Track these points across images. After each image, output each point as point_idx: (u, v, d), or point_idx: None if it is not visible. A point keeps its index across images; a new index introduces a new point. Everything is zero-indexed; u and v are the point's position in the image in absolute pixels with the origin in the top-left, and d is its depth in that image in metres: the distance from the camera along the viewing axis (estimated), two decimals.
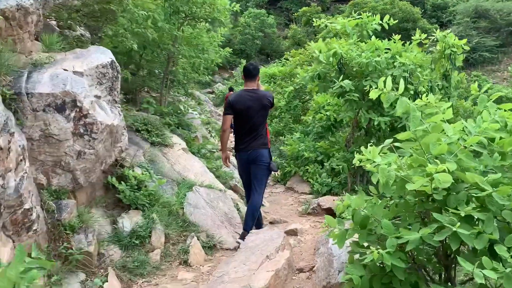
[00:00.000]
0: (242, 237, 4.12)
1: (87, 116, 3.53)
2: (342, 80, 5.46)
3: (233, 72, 30.26)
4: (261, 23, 35.05)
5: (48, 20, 6.80)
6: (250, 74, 4.46)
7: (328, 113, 6.88)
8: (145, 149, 5.43)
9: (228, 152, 4.82)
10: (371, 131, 6.14)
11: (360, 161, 2.42)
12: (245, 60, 29.33)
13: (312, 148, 7.99)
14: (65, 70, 3.85)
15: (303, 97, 12.55)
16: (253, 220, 4.29)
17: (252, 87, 4.44)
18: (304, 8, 35.19)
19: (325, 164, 7.17)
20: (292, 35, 34.30)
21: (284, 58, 15.64)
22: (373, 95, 2.83)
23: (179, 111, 8.50)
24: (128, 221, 3.82)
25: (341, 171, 5.89)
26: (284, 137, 9.85)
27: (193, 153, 7.56)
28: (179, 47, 8.17)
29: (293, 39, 33.64)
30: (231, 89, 18.08)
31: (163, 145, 5.93)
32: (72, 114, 3.41)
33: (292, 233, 4.62)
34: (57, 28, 6.80)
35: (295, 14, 36.65)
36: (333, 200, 5.52)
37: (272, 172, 4.77)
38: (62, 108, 3.35)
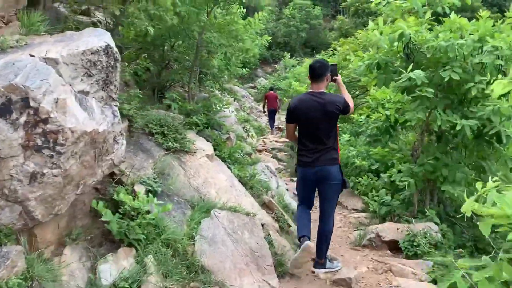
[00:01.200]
0: (316, 265, 3.64)
1: (47, 121, 2.44)
2: (412, 70, 4.10)
3: (276, 66, 29.02)
4: (306, 15, 33.75)
5: (55, 3, 5.92)
6: (315, 73, 3.67)
7: (388, 112, 5.52)
8: (156, 157, 4.34)
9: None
10: (446, 137, 4.73)
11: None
12: (289, 54, 28.13)
13: (365, 154, 6.64)
14: (31, 56, 2.81)
15: (352, 92, 11.12)
16: (326, 246, 3.69)
17: (318, 90, 3.66)
18: None
19: (381, 175, 5.81)
20: (339, 27, 32.64)
21: (331, 49, 14.19)
22: (498, 88, 1.55)
23: (209, 109, 7.40)
24: (112, 268, 2.71)
25: (406, 188, 4.55)
26: None
27: (222, 158, 6.43)
28: (209, 35, 7.05)
29: (340, 30, 31.94)
30: (271, 89, 16.62)
31: (182, 152, 4.83)
32: (22, 119, 2.34)
33: (344, 284, 3.36)
34: (65, 12, 5.90)
35: (343, 4, 34.85)
36: (397, 229, 4.19)
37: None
38: (5, 110, 2.28)
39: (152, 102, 7.03)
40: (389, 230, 4.16)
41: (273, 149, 11.40)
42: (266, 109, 14.98)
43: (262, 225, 4.09)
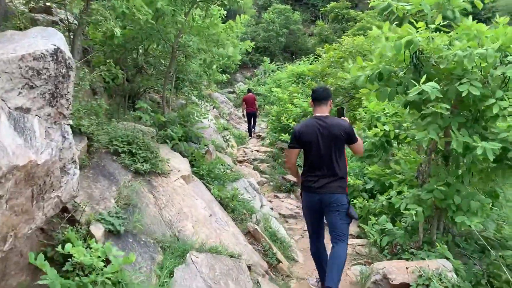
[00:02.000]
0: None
1: None
2: (424, 82, 3.51)
3: (255, 70, 28.45)
4: (286, 20, 33.35)
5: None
6: (320, 96, 3.64)
7: (387, 127, 4.94)
8: (121, 184, 3.62)
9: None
10: (456, 159, 4.17)
11: None
12: (268, 59, 27.61)
13: (358, 171, 6.06)
14: None
15: (337, 100, 10.59)
16: (338, 275, 3.27)
17: (323, 113, 3.60)
18: (332, 3, 33.07)
19: (378, 197, 5.22)
20: (319, 32, 32.34)
21: (314, 55, 13.68)
22: None
23: (186, 119, 6.69)
24: None
25: (413, 217, 3.95)
26: None
27: (201, 176, 5.74)
28: (186, 38, 6.36)
29: (320, 36, 31.67)
30: (249, 91, 16.04)
31: (154, 174, 4.12)
32: None
33: None
34: (19, 9, 5.10)
35: (322, 9, 34.60)
36: (406, 268, 3.58)
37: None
38: None
39: (123, 112, 6.29)
40: (398, 271, 3.54)
41: (255, 159, 10.73)
42: (245, 113, 14.38)
43: (249, 267, 3.41)
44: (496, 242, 4.29)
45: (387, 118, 5.56)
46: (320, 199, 3.46)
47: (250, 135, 14.49)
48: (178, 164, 4.77)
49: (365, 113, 5.93)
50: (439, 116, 3.65)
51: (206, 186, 5.40)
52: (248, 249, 3.91)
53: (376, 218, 4.99)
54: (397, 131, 4.99)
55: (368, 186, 5.67)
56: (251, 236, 4.48)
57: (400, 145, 5.95)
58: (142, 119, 5.52)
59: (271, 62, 26.87)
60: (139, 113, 5.54)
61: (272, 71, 25.74)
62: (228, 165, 8.15)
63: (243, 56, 28.99)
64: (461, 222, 3.75)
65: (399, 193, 4.97)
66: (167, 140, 5.81)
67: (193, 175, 5.17)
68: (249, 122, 14.62)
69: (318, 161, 3.48)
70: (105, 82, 6.83)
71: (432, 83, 3.50)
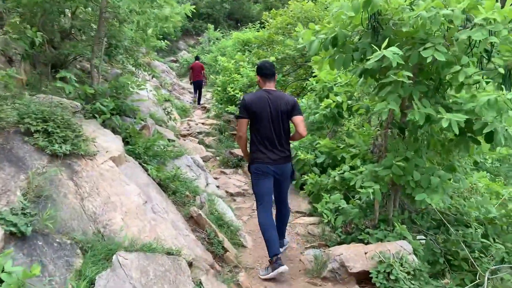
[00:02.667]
0: (276, 262, 3.48)
1: None
2: (385, 47, 3.11)
3: (199, 38, 27.32)
4: None
5: None
6: (269, 72, 3.79)
7: (339, 98, 4.56)
8: (32, 169, 2.97)
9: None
10: (413, 132, 3.88)
11: None
12: (212, 26, 26.53)
13: (308, 144, 5.71)
14: None
15: (284, 70, 10.17)
16: (285, 229, 4.08)
17: (271, 88, 3.79)
18: None
19: (330, 172, 4.91)
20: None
21: (260, 21, 13.07)
22: None
23: (119, 91, 5.95)
24: None
25: (370, 196, 3.64)
26: None
27: (137, 155, 5.13)
28: None
29: (265, 3, 30.85)
30: (197, 58, 15.63)
31: (75, 157, 3.47)
32: None
33: None
34: None
35: None
36: (365, 253, 3.28)
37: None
38: None
39: (46, 84, 5.45)
40: (356, 257, 3.23)
41: (200, 133, 10.15)
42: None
43: (190, 264, 2.94)
44: (452, 217, 4.12)
45: (339, 88, 5.20)
46: (275, 170, 3.69)
47: (199, 103, 14.37)
48: (108, 143, 4.14)
49: (316, 83, 5.53)
50: (400, 85, 3.29)
51: (143, 167, 4.82)
52: (190, 240, 3.42)
53: (329, 194, 4.69)
54: (349, 102, 4.64)
55: (319, 160, 5.34)
56: (195, 222, 4.00)
57: (351, 117, 5.66)
58: (65, 91, 4.76)
59: (215, 29, 25.86)
60: (60, 84, 4.77)
61: (217, 39, 24.82)
62: (170, 140, 7.54)
63: (185, 23, 27.84)
64: (421, 200, 3.49)
65: (352, 168, 4.68)
66: (96, 115, 5.10)
67: (126, 155, 4.55)
68: (195, 91, 14.45)
69: (269, 133, 3.64)
70: (26, 50, 5.94)
71: (394, 48, 3.11)
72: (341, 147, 5.25)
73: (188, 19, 30.63)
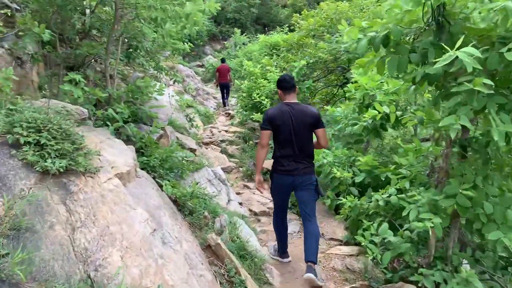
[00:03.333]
0: (310, 270, 3.40)
1: None
2: (459, 47, 2.41)
3: (225, 43, 26.89)
4: None
5: None
6: (288, 85, 3.86)
7: (386, 108, 3.87)
8: (15, 192, 2.42)
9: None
10: (481, 152, 3.15)
11: None
12: (239, 30, 26.10)
13: (345, 160, 5.02)
14: None
15: (314, 75, 9.49)
16: (317, 249, 3.63)
17: (293, 100, 3.84)
18: None
19: (373, 195, 4.20)
20: (292, 3, 30.98)
21: (288, 26, 12.46)
22: None
23: (136, 96, 5.42)
24: None
25: (429, 230, 2.94)
26: None
27: (152, 168, 4.57)
28: None
29: (293, 7, 30.27)
30: (223, 61, 15.38)
31: (74, 174, 2.92)
32: None
33: None
34: None
35: None
36: None
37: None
38: None
39: (56, 87, 4.98)
40: None
41: (223, 141, 9.58)
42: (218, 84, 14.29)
43: None
44: None
45: (383, 97, 4.51)
46: (293, 181, 3.78)
47: (225, 105, 14.44)
48: (116, 156, 3.57)
49: (356, 90, 4.84)
50: (475, 95, 2.59)
51: (158, 182, 4.24)
52: (205, 282, 2.80)
53: (371, 222, 3.99)
54: (398, 113, 3.94)
55: (358, 179, 4.64)
56: (213, 252, 3.38)
57: (394, 129, 4.95)
58: (74, 95, 4.25)
59: (242, 34, 25.41)
60: (68, 87, 4.26)
61: (243, 43, 24.35)
62: (191, 149, 6.99)
63: (211, 28, 27.45)
64: (495, 240, 2.76)
65: (400, 190, 3.97)
66: (108, 123, 4.57)
67: (139, 170, 3.98)
68: (222, 93, 14.39)
69: (290, 145, 3.73)
70: (43, 49, 5.52)
71: (470, 49, 2.41)
72: (385, 165, 4.54)
73: (215, 23, 30.55)
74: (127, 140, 4.87)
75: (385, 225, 3.54)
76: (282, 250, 4.12)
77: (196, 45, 27.26)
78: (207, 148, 8.98)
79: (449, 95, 2.85)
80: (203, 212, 4.25)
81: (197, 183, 4.72)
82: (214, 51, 28.44)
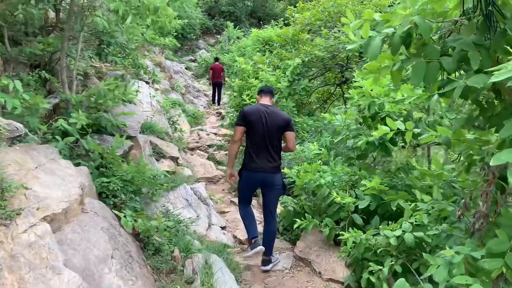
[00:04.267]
0: (265, 262, 3.95)
1: None
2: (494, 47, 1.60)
3: (218, 37, 25.93)
4: None
5: None
6: (267, 90, 4.24)
7: (401, 125, 3.06)
8: None
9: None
10: None
11: None
12: (232, 24, 25.18)
13: (347, 180, 4.21)
14: None
15: (310, 74, 8.66)
16: (272, 246, 4.02)
17: (267, 103, 4.08)
18: None
19: (382, 230, 3.39)
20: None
21: (284, 19, 11.60)
22: None
23: (100, 102, 4.57)
24: None
25: None
26: None
27: (111, 192, 3.75)
28: None
29: (289, 0, 29.28)
30: (217, 59, 14.78)
31: None
32: None
33: None
34: None
35: None
36: None
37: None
38: None
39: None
40: None
41: (210, 146, 8.75)
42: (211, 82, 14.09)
43: None
44: None
45: (393, 106, 3.70)
46: (263, 178, 3.93)
47: (213, 103, 14.23)
48: (52, 187, 2.74)
49: (359, 97, 4.02)
50: None
51: (121, 212, 3.42)
52: None
53: (379, 262, 3.20)
54: (417, 130, 3.14)
55: (362, 205, 3.83)
56: None
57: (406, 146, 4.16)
58: (8, 106, 3.40)
59: (235, 27, 24.47)
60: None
61: (238, 37, 23.42)
62: (171, 157, 6.17)
63: (205, 21, 26.46)
64: None
65: (417, 224, 3.17)
66: (57, 139, 3.73)
67: (88, 201, 3.15)
68: (213, 91, 14.19)
69: (262, 143, 3.88)
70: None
71: None
72: (394, 187, 3.75)
73: (209, 16, 29.55)
74: (86, 156, 4.05)
75: (401, 282, 2.73)
76: (252, 235, 3.94)
77: (189, 39, 26.32)
78: (192, 155, 8.15)
79: (495, 116, 2.04)
80: (172, 251, 3.43)
81: (167, 211, 3.89)
82: (208, 45, 27.50)
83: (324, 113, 10.41)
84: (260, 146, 3.88)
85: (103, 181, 3.84)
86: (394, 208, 3.53)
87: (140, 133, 6.35)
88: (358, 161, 4.50)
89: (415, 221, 3.20)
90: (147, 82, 9.33)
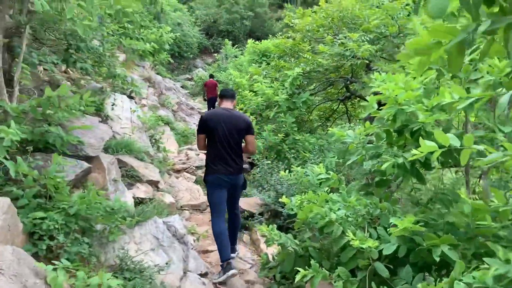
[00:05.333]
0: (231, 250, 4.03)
1: None
2: None
3: (216, 55, 25.28)
4: (251, 2, 30.77)
5: None
6: (227, 93, 4.24)
7: (455, 139, 2.10)
8: None
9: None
10: None
11: None
12: (230, 42, 24.61)
13: (365, 214, 3.19)
14: None
15: (311, 88, 7.72)
16: (236, 236, 4.41)
17: (228, 106, 4.15)
18: None
19: None
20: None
21: (282, 34, 10.78)
22: None
23: (49, 112, 3.58)
24: None
25: None
26: (288, 169, 4.98)
27: (46, 233, 2.73)
28: None
29: (288, 20, 28.77)
30: (211, 76, 15.05)
31: None
32: None
33: None
34: None
35: None
36: None
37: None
38: None
39: None
40: None
41: (199, 167, 7.73)
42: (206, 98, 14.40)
43: None
44: None
45: (429, 116, 2.73)
46: (229, 181, 3.98)
47: None
48: None
49: (380, 107, 3.04)
50: None
51: (42, 266, 2.38)
52: None
53: None
54: (479, 147, 2.15)
55: (387, 251, 2.81)
56: None
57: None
58: None
59: (233, 46, 23.82)
60: None
61: (235, 56, 22.73)
62: (149, 180, 5.19)
63: (203, 40, 25.91)
64: None
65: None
66: None
67: (12, 249, 2.13)
68: (209, 107, 14.03)
69: (225, 146, 3.93)
70: None
71: None
72: (432, 226, 2.73)
73: (207, 36, 29.01)
74: (17, 182, 3.04)
75: None
76: (224, 257, 3.74)
77: (186, 58, 25.71)
78: (178, 177, 7.14)
79: None
80: None
81: (125, 256, 2.86)
82: (205, 64, 26.88)
83: (326, 131, 9.49)
84: (222, 150, 3.92)
85: (37, 216, 2.83)
86: (438, 259, 2.49)
87: (106, 152, 5.36)
88: (378, 189, 3.49)
89: (474, 280, 2.17)
90: (130, 97, 8.40)
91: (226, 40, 24.02)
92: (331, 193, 3.64)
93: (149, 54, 8.44)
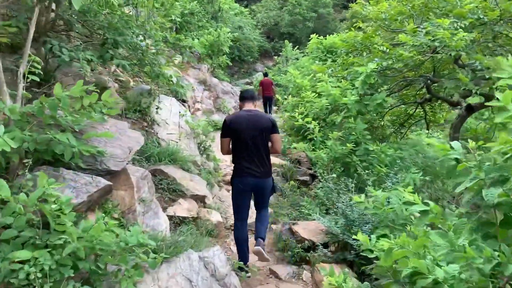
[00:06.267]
0: (259, 243, 3.88)
1: None
2: None
3: (276, 57, 24.46)
4: (314, 2, 29.58)
5: None
6: (247, 95, 4.15)
7: None
8: None
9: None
10: None
11: None
12: (290, 44, 23.68)
13: (488, 267, 2.08)
14: None
15: (386, 88, 6.53)
16: (265, 232, 4.15)
17: (250, 108, 4.06)
18: None
19: None
20: (352, 16, 28.11)
21: (347, 29, 9.65)
22: None
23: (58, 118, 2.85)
24: None
25: None
26: (360, 188, 3.91)
27: (39, 271, 1.93)
28: None
29: (352, 21, 27.31)
30: (266, 74, 15.11)
31: None
32: None
33: None
34: None
35: None
36: None
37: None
38: None
39: None
40: None
41: None
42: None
43: None
44: None
45: None
46: (255, 183, 3.91)
47: None
48: None
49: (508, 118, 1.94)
50: None
51: None
52: None
53: None
54: None
55: None
56: None
57: None
58: None
59: (293, 48, 22.86)
60: None
61: (296, 58, 21.74)
62: (193, 195, 4.39)
63: (263, 43, 25.15)
64: None
65: None
66: None
67: None
68: (265, 105, 14.23)
69: (249, 149, 3.86)
70: None
71: None
72: None
73: (268, 39, 28.31)
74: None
75: None
76: (242, 258, 3.92)
77: (246, 61, 25.15)
78: (229, 191, 6.29)
79: None
80: None
81: None
82: (266, 68, 26.19)
83: (401, 139, 8.20)
84: (248, 152, 3.87)
85: (17, 258, 2.05)
86: None
87: (148, 162, 4.63)
88: (503, 231, 2.35)
89: None
90: (183, 100, 7.72)
91: (286, 41, 23.10)
92: (429, 229, 2.57)
93: (206, 57, 7.76)
